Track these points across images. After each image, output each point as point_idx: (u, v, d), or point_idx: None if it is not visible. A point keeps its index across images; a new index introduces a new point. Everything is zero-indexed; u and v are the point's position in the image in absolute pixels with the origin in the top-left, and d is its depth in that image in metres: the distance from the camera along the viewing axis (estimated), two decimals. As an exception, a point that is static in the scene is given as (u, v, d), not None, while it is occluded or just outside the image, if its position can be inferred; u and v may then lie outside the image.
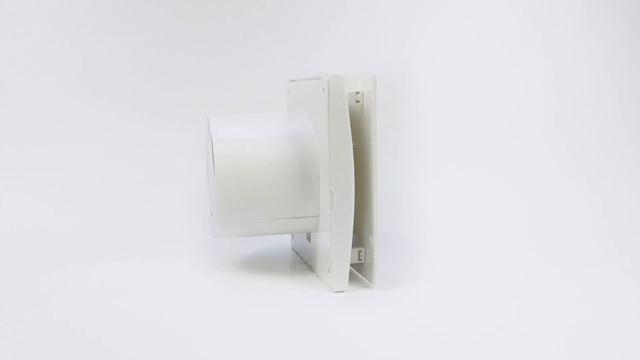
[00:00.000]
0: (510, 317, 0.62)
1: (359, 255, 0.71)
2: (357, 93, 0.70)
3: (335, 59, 0.99)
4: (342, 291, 0.68)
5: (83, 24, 0.97)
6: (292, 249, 0.85)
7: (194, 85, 0.99)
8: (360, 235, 0.72)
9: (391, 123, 0.98)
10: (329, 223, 0.68)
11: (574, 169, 0.98)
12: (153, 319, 0.62)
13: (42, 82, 0.97)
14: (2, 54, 0.97)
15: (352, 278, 0.72)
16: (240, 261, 0.80)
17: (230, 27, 0.98)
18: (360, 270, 0.73)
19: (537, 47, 1.01)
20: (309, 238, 0.77)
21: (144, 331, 0.59)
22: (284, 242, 0.86)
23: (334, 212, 0.67)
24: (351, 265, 0.70)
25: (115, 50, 0.98)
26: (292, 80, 0.83)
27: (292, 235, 0.85)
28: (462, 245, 0.86)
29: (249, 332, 0.59)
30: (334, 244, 0.67)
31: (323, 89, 0.67)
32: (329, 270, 0.69)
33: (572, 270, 0.76)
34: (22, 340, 0.57)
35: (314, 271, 0.75)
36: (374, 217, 0.68)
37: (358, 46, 0.99)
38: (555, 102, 1.00)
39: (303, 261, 0.80)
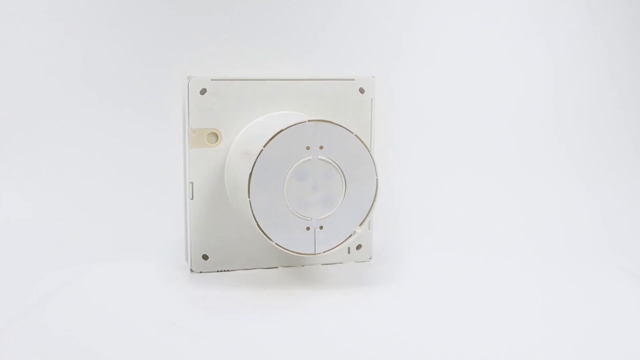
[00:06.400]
0: (509, 318, 0.62)
1: None
2: None
3: (335, 59, 0.99)
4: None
5: (83, 24, 0.97)
6: (201, 272, 0.75)
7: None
8: None
9: (389, 122, 0.98)
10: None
11: (574, 168, 0.98)
12: (151, 319, 0.62)
13: (42, 82, 0.97)
14: (2, 53, 0.97)
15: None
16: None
17: (231, 27, 0.98)
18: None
19: (537, 47, 1.00)
20: None
21: (142, 332, 0.59)
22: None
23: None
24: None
25: (115, 50, 0.98)
26: (215, 80, 0.73)
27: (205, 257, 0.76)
28: (461, 245, 0.86)
29: (248, 332, 0.59)
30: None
31: (361, 89, 0.75)
32: (358, 247, 0.77)
33: (571, 270, 0.76)
34: (20, 341, 0.57)
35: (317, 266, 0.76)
36: None
37: (357, 46, 0.99)
38: (555, 102, 1.00)
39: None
